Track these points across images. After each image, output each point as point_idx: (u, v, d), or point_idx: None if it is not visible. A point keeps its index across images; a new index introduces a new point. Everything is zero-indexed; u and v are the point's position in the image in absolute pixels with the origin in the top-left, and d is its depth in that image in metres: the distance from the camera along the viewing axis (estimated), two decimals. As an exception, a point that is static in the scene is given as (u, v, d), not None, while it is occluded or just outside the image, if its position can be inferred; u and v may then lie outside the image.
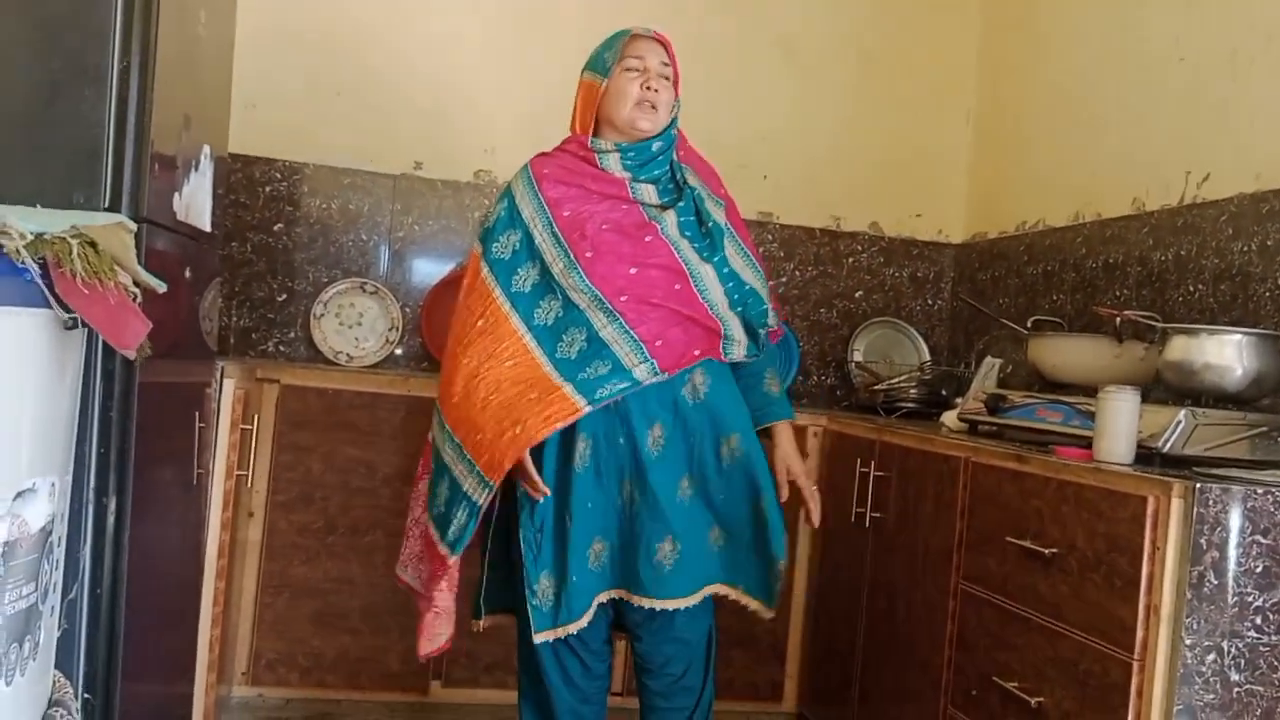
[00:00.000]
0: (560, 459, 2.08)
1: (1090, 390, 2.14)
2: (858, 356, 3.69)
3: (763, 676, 3.17)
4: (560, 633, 2.09)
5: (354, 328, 3.39)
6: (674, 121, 2.18)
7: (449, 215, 3.51)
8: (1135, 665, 1.75)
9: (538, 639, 2.08)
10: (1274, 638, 1.72)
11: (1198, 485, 1.70)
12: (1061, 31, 3.33)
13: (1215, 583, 1.71)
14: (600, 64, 2.15)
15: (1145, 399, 2.01)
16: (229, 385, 2.51)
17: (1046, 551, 1.98)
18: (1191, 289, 2.61)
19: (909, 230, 3.81)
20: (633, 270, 2.06)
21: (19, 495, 1.24)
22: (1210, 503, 1.70)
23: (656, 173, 2.16)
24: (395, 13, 3.46)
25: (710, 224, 2.14)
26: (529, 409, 1.99)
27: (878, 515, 2.70)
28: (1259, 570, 1.72)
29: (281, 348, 3.42)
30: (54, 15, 1.62)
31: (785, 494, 2.24)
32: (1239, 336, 2.09)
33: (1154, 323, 2.26)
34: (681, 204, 2.14)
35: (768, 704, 3.17)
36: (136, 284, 1.41)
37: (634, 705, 2.32)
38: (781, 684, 3.18)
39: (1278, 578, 1.72)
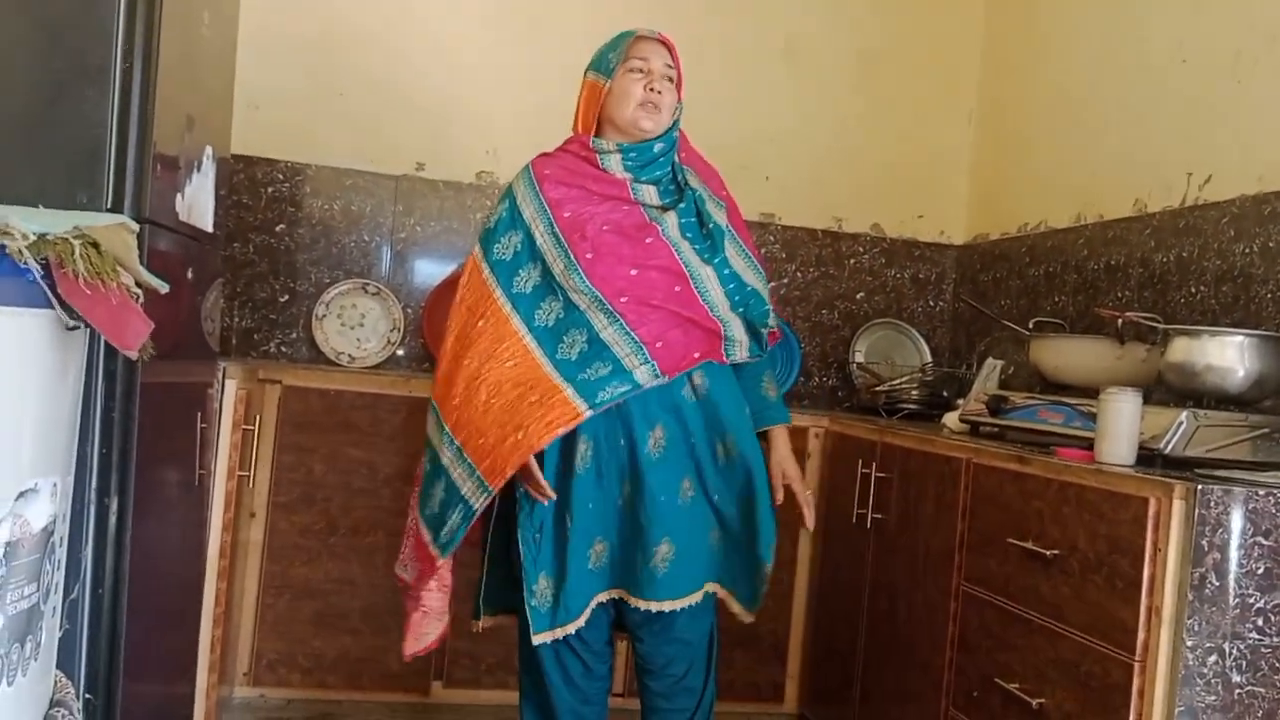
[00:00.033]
0: (561, 460, 2.08)
1: (1092, 392, 2.14)
2: (859, 357, 3.69)
3: (764, 677, 3.17)
4: (558, 633, 2.09)
5: (356, 328, 3.39)
6: (676, 123, 2.18)
7: (451, 216, 3.51)
8: (1136, 667, 1.75)
9: (536, 640, 2.09)
10: (1275, 639, 1.72)
11: (1199, 487, 1.70)
12: (1063, 33, 3.33)
13: (1217, 584, 1.71)
14: (604, 64, 2.15)
15: (1147, 400, 2.01)
16: (231, 386, 2.52)
17: (1048, 553, 1.98)
18: (1193, 290, 2.61)
19: (911, 231, 3.81)
20: (633, 272, 2.06)
21: (21, 495, 1.25)
22: (1212, 504, 1.70)
23: (658, 174, 2.17)
24: (397, 14, 3.47)
25: (711, 225, 2.14)
26: (530, 413, 1.99)
27: (879, 516, 2.70)
28: (1260, 572, 1.71)
29: (283, 348, 3.42)
30: (56, 15, 1.62)
31: (780, 498, 2.24)
32: (1241, 338, 2.09)
33: (1155, 324, 2.26)
34: (683, 205, 2.14)
35: (769, 705, 3.17)
36: (139, 284, 1.41)
37: (635, 706, 2.32)
38: (782, 685, 3.18)
39: (1279, 579, 1.72)
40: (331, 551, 2.94)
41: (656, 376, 2.02)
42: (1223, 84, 2.61)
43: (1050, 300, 3.19)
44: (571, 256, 2.06)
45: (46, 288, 1.25)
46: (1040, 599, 2.01)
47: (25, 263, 1.21)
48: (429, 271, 3.49)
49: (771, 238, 3.69)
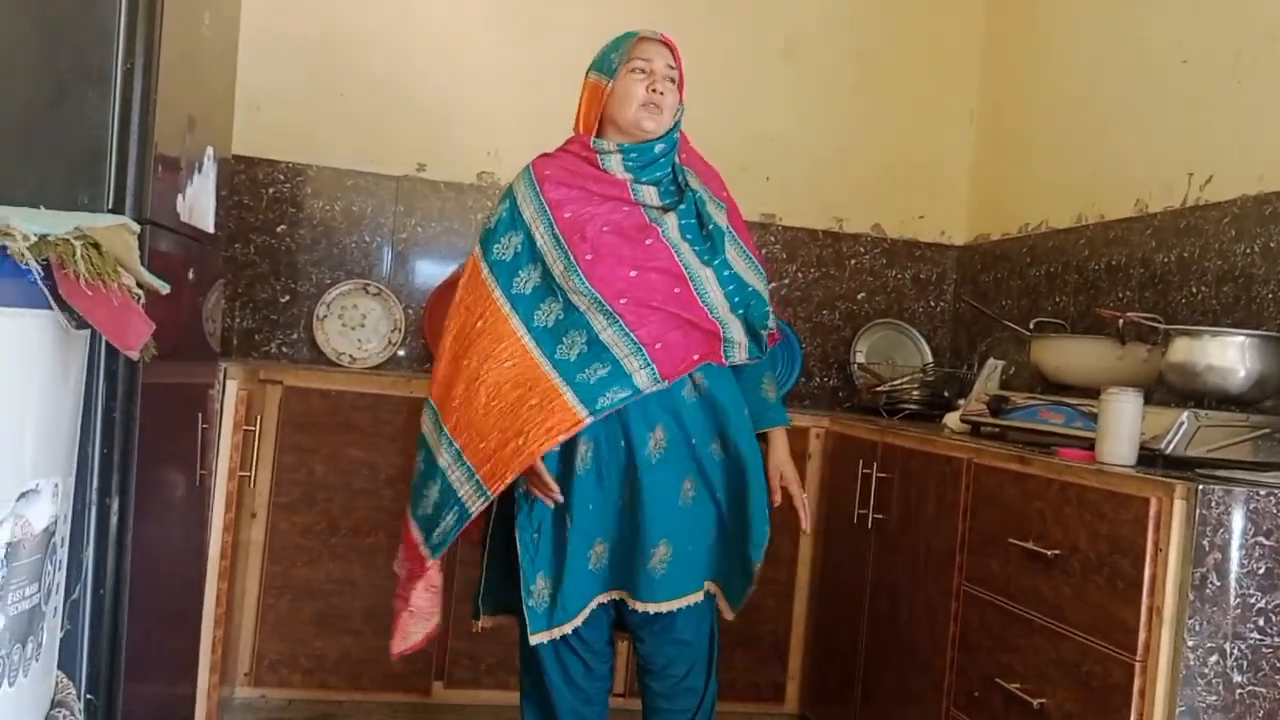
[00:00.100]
0: (562, 461, 2.08)
1: (1093, 392, 2.14)
2: (860, 358, 3.69)
3: (765, 677, 3.17)
4: (555, 633, 2.09)
5: (357, 329, 3.40)
6: (677, 124, 2.19)
7: (452, 217, 3.51)
8: (1137, 667, 1.75)
9: (533, 640, 2.09)
10: (1276, 639, 1.72)
11: (1200, 487, 1.70)
12: (1064, 33, 3.33)
13: (1218, 584, 1.71)
14: (606, 64, 2.15)
15: (1148, 401, 2.01)
16: (232, 386, 2.52)
17: (1049, 553, 1.98)
18: (1194, 291, 2.61)
19: (911, 232, 3.81)
20: (633, 273, 2.06)
21: (22, 496, 1.25)
22: (1213, 504, 1.70)
23: (658, 174, 2.17)
24: (398, 15, 3.47)
25: (711, 227, 2.14)
26: (530, 418, 1.99)
27: (880, 516, 2.70)
28: (1261, 572, 1.71)
29: (284, 349, 3.42)
30: (57, 16, 1.62)
31: (778, 500, 2.24)
32: (1242, 338, 2.09)
33: (1156, 324, 2.26)
34: (683, 206, 2.14)
35: (770, 705, 3.17)
36: (140, 285, 1.41)
37: (636, 706, 2.32)
38: (783, 685, 3.18)
39: (1280, 579, 1.72)
40: (333, 552, 2.94)
41: (657, 382, 2.02)
42: (1223, 84, 2.61)
43: (1051, 300, 3.19)
44: (571, 258, 2.06)
45: (48, 289, 1.25)
46: (1041, 599, 2.01)
47: (26, 264, 1.21)
48: (430, 272, 3.49)
49: (772, 238, 3.69)
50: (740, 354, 2.15)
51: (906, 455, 2.62)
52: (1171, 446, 1.96)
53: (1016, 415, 2.41)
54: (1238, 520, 1.70)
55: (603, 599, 2.13)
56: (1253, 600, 1.71)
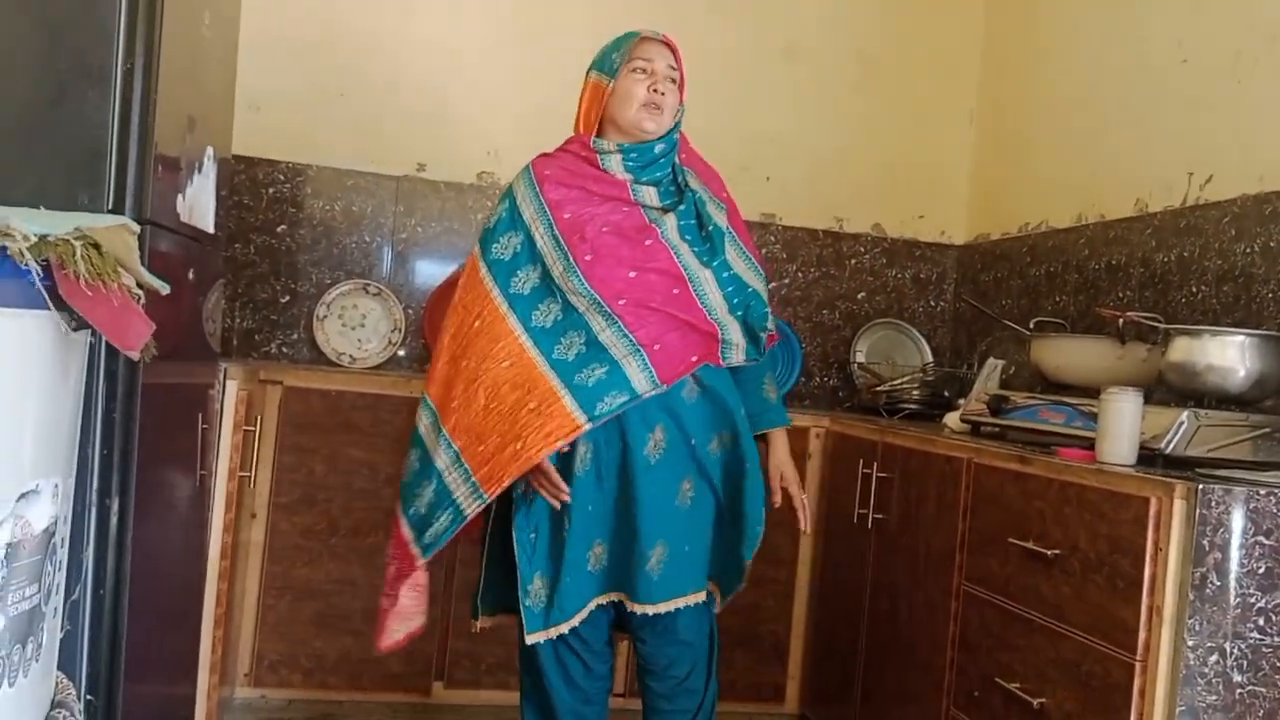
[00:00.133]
0: (561, 461, 2.08)
1: (1093, 392, 2.14)
2: (860, 358, 3.69)
3: (765, 678, 3.17)
4: (551, 633, 2.09)
5: (357, 329, 3.40)
6: (677, 124, 2.18)
7: (452, 217, 3.51)
8: (1137, 666, 1.75)
9: (529, 639, 2.09)
10: (1276, 639, 1.72)
11: (1200, 486, 1.70)
12: (1064, 33, 3.33)
13: (1217, 584, 1.71)
14: (608, 64, 2.15)
15: (1148, 400, 2.01)
16: (232, 386, 2.52)
17: (1049, 553, 1.98)
18: (1194, 290, 2.61)
19: (911, 231, 3.81)
20: (632, 274, 2.06)
21: (22, 496, 1.24)
22: (1213, 504, 1.70)
23: (658, 175, 2.17)
24: (398, 15, 3.47)
25: (711, 228, 2.14)
26: (529, 422, 1.98)
27: (880, 516, 2.70)
28: (1261, 571, 1.71)
29: (284, 349, 3.42)
30: (57, 16, 1.62)
31: (779, 500, 2.25)
32: (1242, 338, 2.09)
33: (1156, 324, 2.26)
34: (682, 207, 2.14)
35: (770, 705, 3.17)
36: (140, 285, 1.41)
37: (636, 706, 2.32)
38: (783, 685, 3.18)
39: (1280, 579, 1.72)
40: (332, 552, 2.94)
41: (655, 386, 2.01)
42: (1223, 84, 2.61)
43: (1051, 300, 3.19)
44: (570, 258, 2.05)
45: (47, 289, 1.24)
46: (1041, 599, 2.01)
47: (26, 264, 1.21)
48: (430, 272, 3.49)
49: (772, 238, 3.69)
50: (737, 356, 2.14)
51: (906, 455, 2.62)
52: (1171, 446, 1.96)
53: (1016, 415, 2.41)
54: (1238, 520, 1.70)
55: (601, 600, 2.13)
56: (1253, 600, 1.71)
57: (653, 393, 2.01)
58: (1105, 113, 3.06)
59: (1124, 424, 1.96)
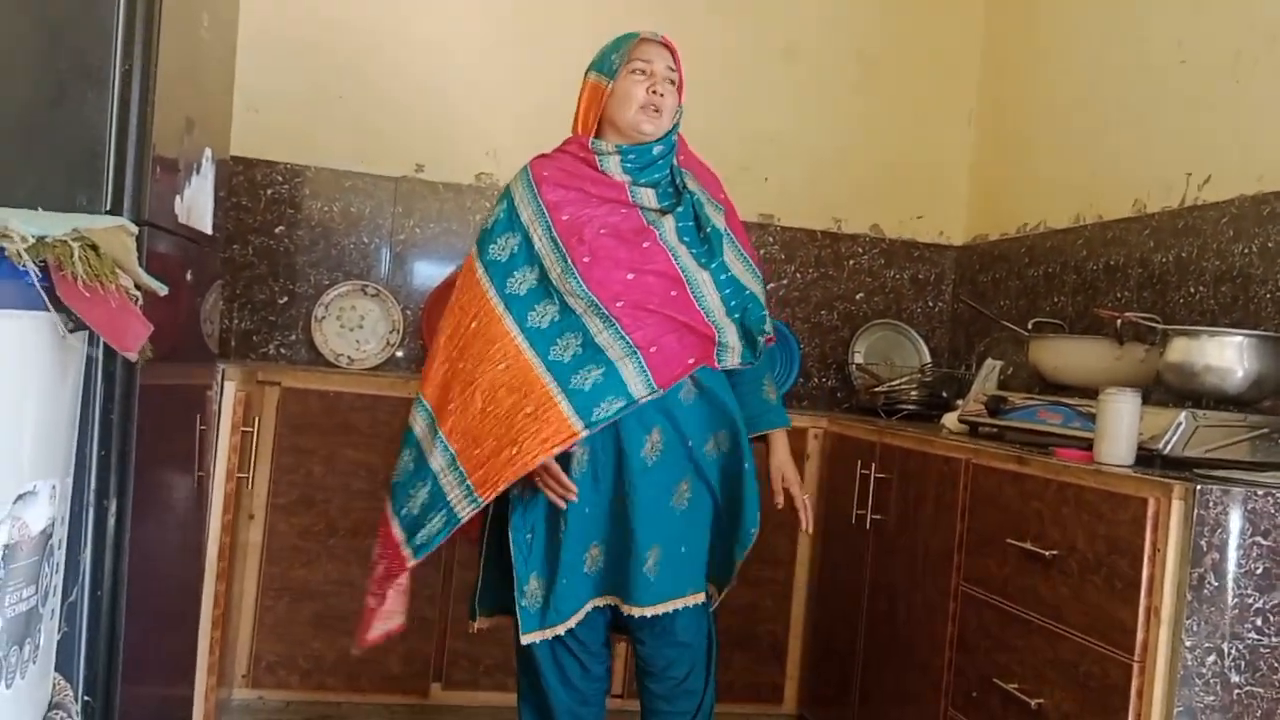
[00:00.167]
0: (558, 462, 2.07)
1: (1091, 392, 2.15)
2: (858, 358, 3.69)
3: (763, 678, 3.17)
4: (547, 633, 2.09)
5: (355, 330, 3.39)
6: (676, 126, 2.18)
7: (450, 218, 3.51)
8: (1135, 667, 1.75)
9: (524, 640, 2.09)
10: (1274, 639, 1.72)
11: (1198, 487, 1.70)
12: (1063, 34, 3.33)
13: (1215, 584, 1.71)
14: (607, 65, 2.15)
15: (1146, 401, 2.01)
16: (230, 388, 2.52)
17: (1047, 553, 1.98)
18: (1192, 291, 2.61)
19: (910, 232, 3.81)
20: (630, 276, 2.05)
21: (20, 498, 1.24)
22: (1211, 504, 1.70)
23: (656, 176, 2.16)
24: (397, 16, 3.47)
25: (709, 229, 2.14)
26: (525, 427, 1.98)
27: (878, 517, 2.70)
28: (1259, 572, 1.72)
29: (282, 350, 3.42)
30: (57, 17, 1.62)
31: (781, 501, 2.25)
32: (1240, 338, 2.09)
33: (1155, 324, 2.26)
34: (680, 209, 2.14)
35: (768, 706, 3.17)
36: (138, 287, 1.41)
37: (634, 707, 2.32)
38: (782, 686, 3.18)
39: (1278, 579, 1.72)
40: (331, 553, 2.94)
41: (653, 391, 2.01)
42: (1222, 84, 2.62)
43: (1049, 301, 3.19)
44: (568, 260, 2.05)
45: (45, 290, 1.24)
46: (1039, 599, 2.01)
47: (24, 265, 1.21)
48: (428, 273, 3.49)
49: (771, 239, 3.69)
50: (733, 359, 2.14)
51: (905, 456, 2.63)
52: (1169, 446, 1.96)
53: (1015, 415, 2.41)
54: (1235, 520, 1.71)
55: (598, 603, 2.13)
56: (1250, 600, 1.71)
57: (649, 398, 2.01)
58: (1104, 113, 3.06)
59: (1122, 424, 1.96)
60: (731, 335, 2.13)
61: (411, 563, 2.09)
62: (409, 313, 3.45)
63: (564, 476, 2.02)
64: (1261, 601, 1.72)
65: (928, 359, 3.70)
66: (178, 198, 1.89)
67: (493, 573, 2.22)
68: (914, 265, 3.81)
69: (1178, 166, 2.73)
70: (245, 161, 3.33)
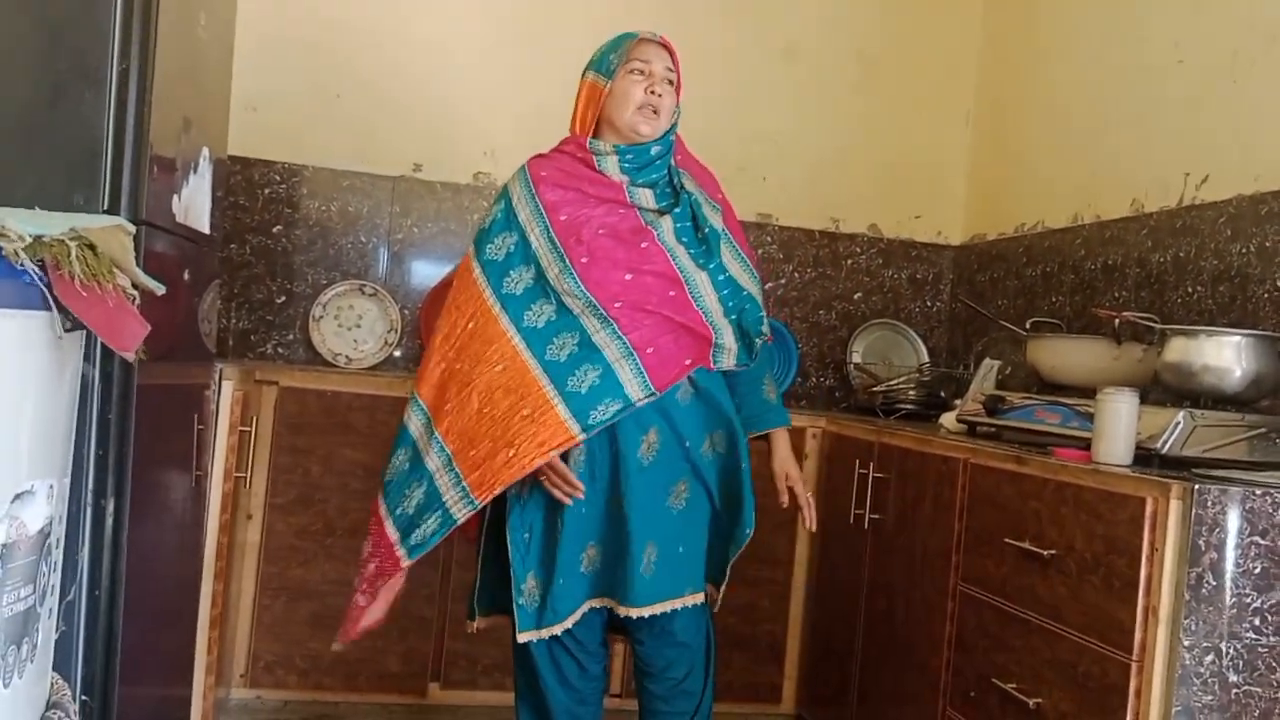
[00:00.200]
0: (557, 462, 2.08)
1: (1089, 392, 2.15)
2: (856, 358, 3.69)
3: (761, 678, 3.17)
4: (543, 633, 2.09)
5: (353, 330, 3.39)
6: (674, 127, 2.18)
7: (448, 217, 3.51)
8: (1134, 666, 1.75)
9: (521, 638, 2.09)
10: (1272, 639, 1.72)
11: (1196, 486, 1.70)
12: (1061, 34, 3.33)
13: (1213, 584, 1.71)
14: (605, 65, 2.15)
15: (1144, 400, 2.01)
16: (228, 387, 2.51)
17: (1045, 553, 1.98)
18: (1190, 290, 2.61)
19: (908, 232, 3.81)
20: (628, 276, 2.05)
21: (17, 497, 1.24)
22: (1209, 504, 1.70)
23: (654, 176, 2.16)
24: (395, 15, 3.47)
25: (707, 230, 2.14)
26: (521, 430, 1.98)
27: (876, 517, 2.70)
28: (1257, 571, 1.72)
29: (280, 350, 3.42)
30: (56, 17, 1.62)
31: (786, 500, 2.25)
32: (1238, 338, 2.09)
33: (1153, 324, 2.26)
34: (678, 209, 2.14)
35: (766, 705, 3.17)
36: (135, 286, 1.41)
37: (633, 707, 2.32)
38: (780, 686, 3.18)
39: (1276, 579, 1.72)
40: (329, 553, 2.94)
41: (650, 394, 2.01)
42: (1220, 84, 2.62)
43: (1047, 300, 3.19)
44: (567, 260, 2.05)
45: (43, 289, 1.24)
46: (1037, 599, 2.01)
47: (21, 264, 1.21)
48: (426, 273, 3.49)
49: (769, 238, 3.69)
50: (729, 360, 2.14)
51: (903, 455, 2.63)
52: (1167, 446, 1.96)
53: (1013, 415, 2.41)
54: (1233, 520, 1.71)
55: (595, 604, 2.13)
56: (1248, 600, 1.71)
57: (646, 400, 2.01)
58: (1102, 113, 3.06)
59: (1120, 424, 1.96)
60: (728, 336, 2.13)
61: (406, 563, 2.09)
62: (407, 312, 3.45)
63: (570, 475, 2.02)
64: (1259, 601, 1.72)
65: (926, 359, 3.70)
66: (175, 197, 1.89)
67: (490, 572, 2.22)
68: (912, 265, 3.81)
69: (1176, 166, 2.73)
70: (243, 161, 3.33)
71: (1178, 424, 1.97)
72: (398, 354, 3.43)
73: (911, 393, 3.24)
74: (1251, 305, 2.41)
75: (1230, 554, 1.71)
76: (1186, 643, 1.70)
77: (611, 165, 2.13)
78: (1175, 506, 1.72)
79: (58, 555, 1.41)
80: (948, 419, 2.80)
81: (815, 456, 3.13)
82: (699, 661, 2.21)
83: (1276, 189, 2.39)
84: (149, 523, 1.85)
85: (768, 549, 2.97)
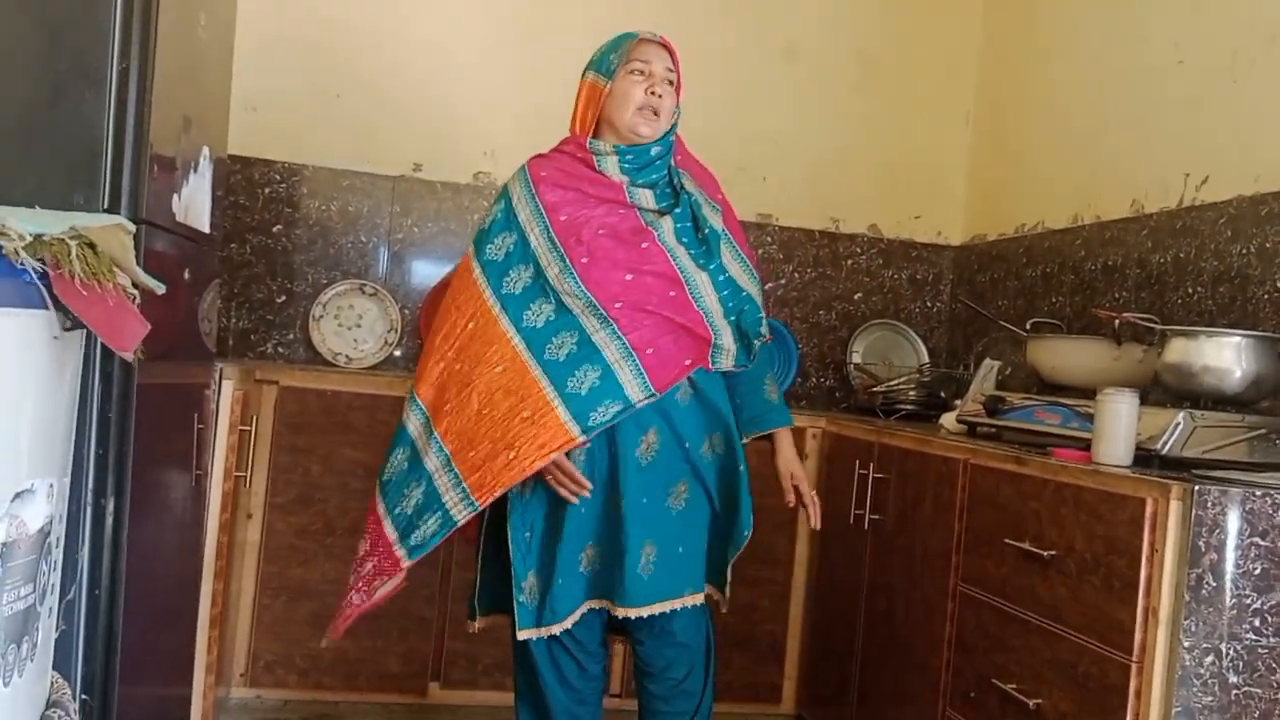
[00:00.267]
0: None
1: (1089, 392, 2.14)
2: (857, 358, 3.69)
3: (761, 678, 3.17)
4: (542, 632, 2.08)
5: (353, 329, 3.39)
6: (674, 127, 2.18)
7: (448, 217, 3.51)
8: (1134, 667, 1.75)
9: (520, 636, 2.09)
10: (1272, 640, 1.72)
11: (1196, 487, 1.70)
12: (1061, 34, 3.33)
13: (1213, 585, 1.71)
14: (605, 65, 2.14)
15: (1144, 401, 2.01)
16: (228, 387, 2.51)
17: (1045, 553, 1.98)
18: (1190, 291, 2.61)
19: (908, 232, 3.81)
20: (628, 277, 2.05)
21: (17, 496, 1.24)
22: (1209, 505, 1.70)
23: (654, 177, 2.16)
24: (395, 15, 3.47)
25: (707, 230, 2.14)
26: (522, 431, 1.98)
27: (876, 517, 2.70)
28: (1257, 572, 1.72)
29: (280, 349, 3.42)
30: (57, 17, 1.62)
31: (791, 500, 2.25)
32: (1238, 339, 2.09)
33: (1153, 325, 2.26)
34: (678, 210, 2.14)
35: (766, 705, 3.17)
36: (135, 285, 1.41)
37: (632, 707, 2.32)
38: (780, 686, 3.18)
39: (1276, 580, 1.72)
40: (328, 552, 2.94)
41: (650, 395, 2.01)
42: (1220, 85, 2.62)
43: (1047, 301, 3.19)
44: (567, 260, 2.05)
45: (43, 288, 1.24)
46: (1037, 600, 2.01)
47: (22, 263, 1.21)
48: (426, 272, 3.49)
49: (769, 238, 3.69)
50: (727, 361, 2.14)
51: (903, 456, 2.63)
52: (1167, 447, 1.96)
53: (1013, 416, 2.41)
54: (1233, 521, 1.71)
55: (594, 604, 2.13)
56: (1248, 601, 1.71)
57: (646, 401, 2.01)
58: (1102, 113, 3.06)
59: (1120, 425, 1.96)
60: (727, 338, 2.13)
61: (406, 564, 2.09)
62: (407, 312, 3.45)
63: (577, 473, 2.02)
64: (1259, 602, 1.72)
65: (926, 359, 3.70)
66: (175, 196, 1.89)
67: (491, 572, 2.22)
68: (912, 265, 3.81)
69: (1176, 167, 2.73)
70: (243, 160, 3.33)
71: (1178, 425, 1.97)
72: (398, 354, 3.43)
73: (911, 393, 3.24)
74: (1251, 306, 2.41)
75: (1230, 555, 1.71)
76: (1186, 643, 1.70)
77: (611, 165, 2.13)
78: (1175, 507, 1.72)
79: (58, 554, 1.41)
80: (948, 419, 2.80)
81: (815, 457, 3.13)
82: (699, 662, 2.21)
83: (1277, 189, 2.39)
84: (149, 522, 1.85)
85: (768, 549, 2.97)
